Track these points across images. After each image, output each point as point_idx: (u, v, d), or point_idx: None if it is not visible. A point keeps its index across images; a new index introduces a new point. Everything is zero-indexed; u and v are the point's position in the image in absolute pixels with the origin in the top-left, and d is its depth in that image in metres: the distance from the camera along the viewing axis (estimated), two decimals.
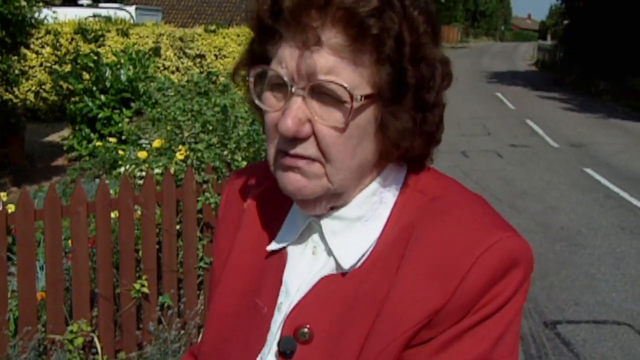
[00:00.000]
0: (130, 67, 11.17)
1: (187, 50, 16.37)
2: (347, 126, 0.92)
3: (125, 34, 16.52)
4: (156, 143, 6.25)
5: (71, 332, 3.83)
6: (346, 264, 0.99)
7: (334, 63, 0.90)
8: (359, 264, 1.00)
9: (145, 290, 4.08)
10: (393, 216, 1.01)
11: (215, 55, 16.31)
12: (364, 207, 1.01)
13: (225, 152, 4.34)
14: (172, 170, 4.28)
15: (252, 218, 1.14)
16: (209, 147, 4.32)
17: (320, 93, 0.92)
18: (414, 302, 0.92)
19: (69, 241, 4.02)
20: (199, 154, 4.36)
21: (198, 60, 16.36)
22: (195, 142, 4.40)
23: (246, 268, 1.11)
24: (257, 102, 0.99)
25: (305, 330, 0.99)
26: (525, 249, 0.94)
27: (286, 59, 0.93)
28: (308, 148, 0.94)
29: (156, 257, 4.20)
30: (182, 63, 16.42)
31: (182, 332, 4.17)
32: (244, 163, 4.32)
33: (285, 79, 0.93)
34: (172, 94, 4.63)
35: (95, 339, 3.96)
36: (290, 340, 0.99)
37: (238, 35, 16.31)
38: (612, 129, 18.64)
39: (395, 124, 0.94)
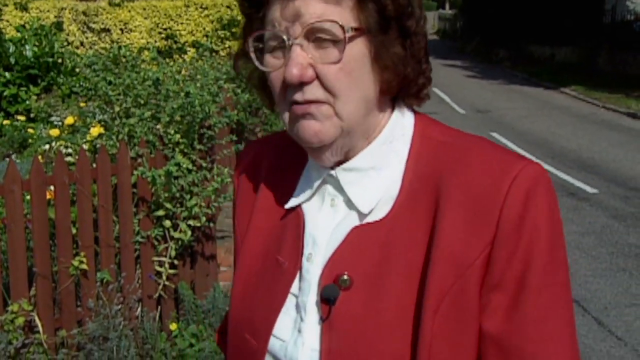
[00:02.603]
0: (36, 42, 10.79)
1: (91, 25, 15.91)
2: (344, 60, 1.01)
3: (24, 8, 15.88)
4: (69, 120, 6.13)
5: (12, 312, 3.79)
6: (365, 209, 1.08)
7: (322, 8, 1.00)
8: (385, 212, 1.08)
9: (84, 266, 4.06)
10: (410, 164, 1.09)
11: (121, 30, 15.92)
12: (375, 157, 1.10)
13: (158, 126, 4.33)
14: (96, 147, 4.24)
15: (268, 183, 1.23)
16: (141, 121, 4.30)
17: (315, 38, 1.02)
18: (465, 240, 1.00)
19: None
20: (131, 128, 4.34)
21: (103, 34, 15.93)
22: (127, 117, 4.37)
23: (266, 229, 1.19)
24: (261, 67, 1.08)
25: (345, 277, 1.06)
26: (543, 171, 1.04)
27: (277, 18, 1.03)
28: (315, 91, 1.03)
29: (93, 233, 4.18)
30: (87, 38, 15.95)
31: (122, 306, 4.17)
32: (177, 136, 4.32)
33: (281, 35, 1.02)
34: (100, 68, 4.56)
35: (36, 318, 3.92)
36: (333, 288, 1.06)
37: (144, 9, 15.96)
38: (514, 95, 19.38)
39: (387, 52, 1.04)
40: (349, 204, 1.11)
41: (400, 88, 1.09)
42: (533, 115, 15.69)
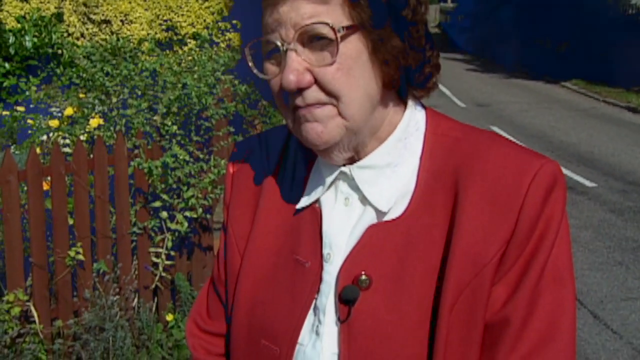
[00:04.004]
0: (36, 33, 10.77)
1: (91, 16, 15.85)
2: (340, 60, 0.99)
3: None
4: (68, 111, 6.13)
5: (7, 302, 3.80)
6: (384, 207, 1.07)
7: (311, 9, 0.97)
8: (402, 210, 1.06)
9: (81, 257, 4.07)
10: (425, 160, 1.08)
11: (122, 21, 15.85)
12: (392, 154, 1.09)
13: (156, 117, 4.33)
14: (94, 138, 4.25)
15: (274, 180, 1.20)
16: (138, 112, 4.30)
17: (309, 41, 0.99)
18: (485, 237, 1.00)
19: None
20: (128, 119, 4.34)
21: (104, 26, 15.88)
22: (124, 108, 4.37)
23: (276, 228, 1.16)
24: (260, 75, 1.07)
25: (364, 277, 1.04)
26: (559, 169, 1.03)
27: (270, 24, 1.01)
28: (316, 94, 1.01)
29: (89, 224, 4.19)
30: (87, 29, 15.89)
31: (119, 297, 4.19)
32: (175, 127, 4.32)
33: (275, 41, 1.00)
34: (97, 59, 4.56)
35: (32, 308, 3.93)
36: (353, 289, 1.04)
37: (145, 0, 15.90)
38: (514, 89, 19.36)
39: (385, 46, 1.01)
40: (364, 202, 1.10)
41: (404, 80, 1.07)
42: (533, 109, 15.67)
